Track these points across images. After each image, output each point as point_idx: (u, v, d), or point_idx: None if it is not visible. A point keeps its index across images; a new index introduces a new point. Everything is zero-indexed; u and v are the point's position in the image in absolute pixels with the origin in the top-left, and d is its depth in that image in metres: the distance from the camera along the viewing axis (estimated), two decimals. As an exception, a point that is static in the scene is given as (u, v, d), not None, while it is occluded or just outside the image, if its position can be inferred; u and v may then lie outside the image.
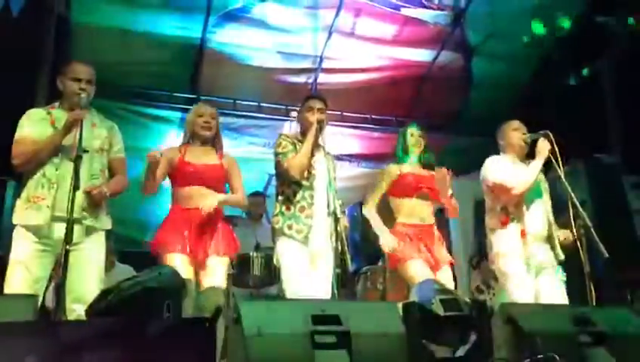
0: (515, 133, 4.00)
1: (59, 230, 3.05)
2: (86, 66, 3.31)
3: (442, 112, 7.32)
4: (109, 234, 3.37)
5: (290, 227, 3.41)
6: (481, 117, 7.23)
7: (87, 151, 3.02)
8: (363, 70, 6.91)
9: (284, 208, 3.48)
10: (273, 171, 3.77)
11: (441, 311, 2.52)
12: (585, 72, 6.52)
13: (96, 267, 3.18)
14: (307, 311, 2.34)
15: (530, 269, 3.68)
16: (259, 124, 6.83)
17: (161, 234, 3.41)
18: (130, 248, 5.72)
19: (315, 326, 2.28)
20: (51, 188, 3.11)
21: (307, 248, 3.40)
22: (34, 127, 3.19)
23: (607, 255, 3.33)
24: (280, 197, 3.54)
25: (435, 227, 3.92)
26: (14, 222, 3.14)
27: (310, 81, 6.93)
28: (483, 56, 7.02)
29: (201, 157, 3.54)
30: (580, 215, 3.52)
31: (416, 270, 3.59)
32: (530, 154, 3.99)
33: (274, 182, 6.87)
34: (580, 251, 3.50)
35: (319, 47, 6.64)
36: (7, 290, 3.01)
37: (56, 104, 3.32)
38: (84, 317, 3.03)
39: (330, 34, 6.52)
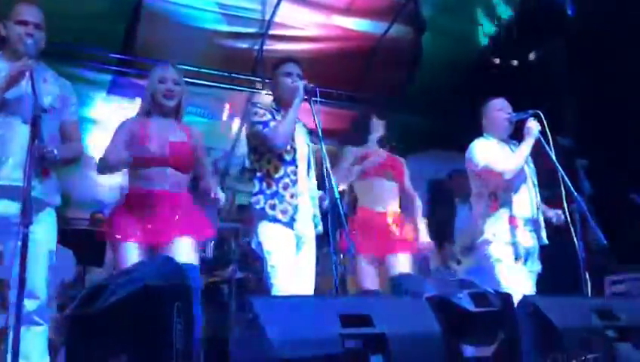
0: (499, 113, 3.79)
1: None
2: (34, 8, 2.74)
3: (390, 87, 7.08)
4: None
5: (273, 207, 3.00)
6: (428, 94, 7.09)
7: (46, 111, 2.47)
8: (312, 39, 6.52)
9: (264, 186, 3.06)
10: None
11: (471, 307, 2.25)
12: (536, 52, 6.48)
13: (47, 252, 2.64)
14: (334, 310, 2.00)
15: (520, 255, 3.53)
16: (197, 91, 6.24)
17: (115, 219, 2.90)
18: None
19: (345, 328, 1.94)
20: None
21: (292, 231, 3.02)
22: None
23: (604, 241, 3.20)
24: (258, 174, 3.10)
25: None
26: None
27: (255, 47, 6.45)
28: (433, 31, 6.81)
29: (165, 133, 2.98)
30: (574, 199, 3.38)
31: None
32: (514, 135, 3.82)
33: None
34: (574, 237, 3.36)
35: (268, 11, 6.15)
36: None
37: None
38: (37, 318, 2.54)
39: (280, -2, 6.05)
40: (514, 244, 3.52)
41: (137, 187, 2.94)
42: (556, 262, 3.79)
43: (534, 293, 3.52)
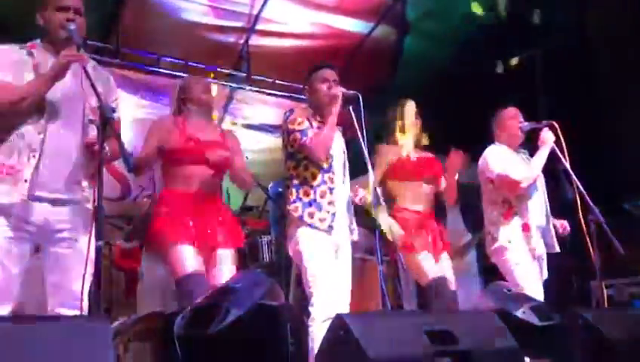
0: (512, 122, 3.89)
1: (40, 212, 2.37)
2: None
3: (368, 88, 7.08)
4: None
5: (311, 215, 2.96)
6: (406, 94, 7.15)
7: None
8: (297, 36, 6.44)
9: (301, 193, 3.01)
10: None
11: (535, 321, 2.30)
12: (513, 60, 6.65)
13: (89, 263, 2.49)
14: (420, 326, 1.99)
15: (534, 261, 3.63)
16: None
17: (159, 222, 2.81)
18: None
19: (434, 345, 1.94)
20: (31, 156, 2.36)
21: (330, 239, 2.99)
22: (9, 70, 2.39)
23: (622, 251, 3.33)
24: (295, 181, 3.06)
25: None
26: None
27: (241, 42, 6.31)
28: (415, 33, 6.88)
29: (203, 132, 2.99)
30: (591, 210, 3.49)
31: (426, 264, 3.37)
32: (525, 144, 3.92)
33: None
34: (590, 248, 3.47)
35: (256, 6, 6.03)
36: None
37: (37, 42, 2.54)
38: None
39: (269, -7, 5.94)
40: (530, 250, 3.62)
41: (174, 188, 2.91)
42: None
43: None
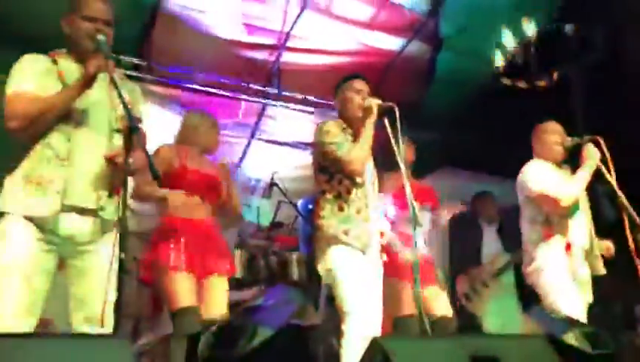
0: (552, 136, 3.72)
1: (68, 224, 2.31)
2: (101, 2, 2.46)
3: (402, 104, 6.97)
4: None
5: (346, 232, 2.83)
6: (437, 113, 7.02)
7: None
8: (330, 53, 6.36)
9: (335, 209, 2.89)
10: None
11: (588, 348, 2.12)
12: (554, 76, 6.46)
13: (112, 276, 2.41)
14: (463, 351, 1.84)
15: (576, 284, 3.43)
16: (215, 101, 6.05)
17: (157, 249, 2.91)
18: None
19: (478, 371, 1.79)
20: (61, 165, 2.30)
21: (365, 257, 2.85)
22: (36, 79, 2.34)
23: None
24: (328, 196, 2.94)
25: None
26: (6, 209, 2.29)
27: (272, 58, 6.26)
28: (450, 50, 6.74)
29: (202, 165, 3.22)
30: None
31: None
32: (568, 160, 3.74)
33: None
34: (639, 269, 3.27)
35: (288, 22, 5.98)
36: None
37: (62, 51, 2.49)
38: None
39: (302, 9, 5.88)
40: (571, 272, 3.43)
41: (173, 214, 3.03)
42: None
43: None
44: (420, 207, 3.29)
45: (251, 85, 6.14)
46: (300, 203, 5.66)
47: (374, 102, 2.96)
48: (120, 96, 2.18)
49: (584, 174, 3.49)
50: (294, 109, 6.50)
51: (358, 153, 2.86)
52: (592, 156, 3.50)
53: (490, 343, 1.93)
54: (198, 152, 3.26)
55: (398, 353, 1.72)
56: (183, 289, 2.79)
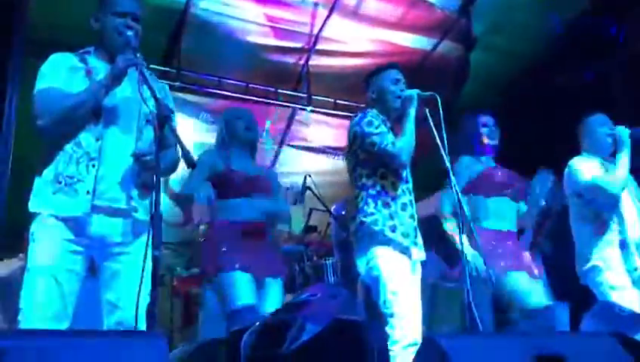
0: (602, 129, 3.53)
1: (98, 224, 2.20)
2: None
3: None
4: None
5: (393, 228, 2.67)
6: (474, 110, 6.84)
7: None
8: (358, 54, 6.25)
9: (380, 204, 2.73)
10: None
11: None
12: (590, 73, 6.24)
13: (145, 278, 2.31)
14: (527, 349, 1.68)
15: (633, 281, 3.23)
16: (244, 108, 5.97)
17: (213, 252, 2.87)
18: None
19: (545, 372, 1.63)
20: (91, 165, 2.21)
21: (410, 256, 2.70)
22: (65, 76, 2.28)
23: None
24: (370, 191, 2.77)
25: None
26: (35, 209, 2.21)
27: (301, 62, 6.18)
28: (482, 48, 6.57)
29: (247, 165, 3.13)
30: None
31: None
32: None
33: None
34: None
35: (317, 25, 5.89)
36: (27, 311, 2.09)
37: (90, 48, 2.42)
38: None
39: (331, 11, 5.77)
40: (628, 271, 3.23)
41: (223, 218, 3.01)
42: None
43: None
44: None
45: (280, 90, 6.04)
46: (333, 208, 5.53)
47: (414, 92, 2.82)
48: (150, 89, 2.09)
49: (624, 157, 3.32)
50: (324, 114, 6.40)
51: (404, 144, 2.71)
52: (625, 138, 3.34)
53: (555, 341, 1.77)
54: (239, 153, 3.16)
55: (457, 352, 1.57)
56: (240, 287, 2.76)
